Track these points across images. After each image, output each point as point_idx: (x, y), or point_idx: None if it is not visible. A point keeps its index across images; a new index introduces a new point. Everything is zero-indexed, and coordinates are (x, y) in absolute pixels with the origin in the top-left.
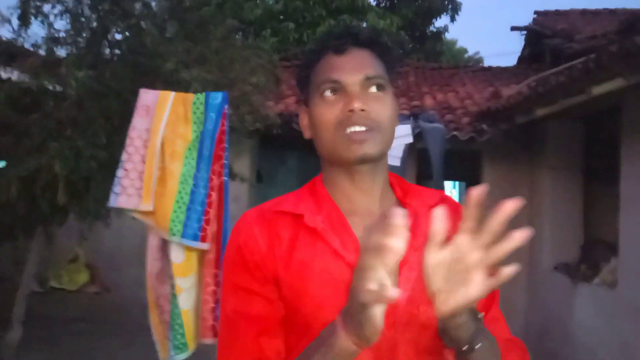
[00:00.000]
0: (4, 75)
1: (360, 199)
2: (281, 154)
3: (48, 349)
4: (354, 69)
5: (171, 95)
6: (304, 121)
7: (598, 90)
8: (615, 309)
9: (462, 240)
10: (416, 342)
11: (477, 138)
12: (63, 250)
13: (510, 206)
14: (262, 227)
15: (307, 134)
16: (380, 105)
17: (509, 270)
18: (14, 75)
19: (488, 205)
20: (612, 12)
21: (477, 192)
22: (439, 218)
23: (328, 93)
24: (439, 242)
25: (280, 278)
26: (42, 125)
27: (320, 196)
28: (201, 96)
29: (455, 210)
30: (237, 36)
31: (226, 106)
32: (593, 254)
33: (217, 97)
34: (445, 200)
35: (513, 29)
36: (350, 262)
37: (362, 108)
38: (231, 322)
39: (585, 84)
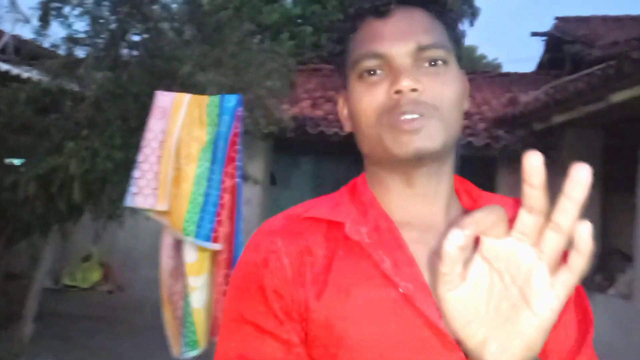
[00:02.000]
0: (25, 75)
1: (420, 208)
2: (295, 157)
3: (59, 345)
4: (402, 36)
5: (187, 98)
6: (343, 111)
7: (617, 97)
8: (631, 321)
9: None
10: None
11: (493, 144)
12: (78, 248)
13: (583, 174)
14: (289, 240)
15: (347, 127)
16: (440, 84)
17: (584, 231)
18: (33, 74)
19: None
20: (634, 19)
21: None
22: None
23: (368, 71)
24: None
25: (310, 312)
26: (60, 125)
27: (365, 201)
28: (215, 99)
29: None
30: (254, 40)
31: (239, 108)
32: (609, 264)
33: (231, 99)
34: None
35: (533, 34)
36: (406, 290)
37: (414, 87)
38: None
39: (604, 91)
